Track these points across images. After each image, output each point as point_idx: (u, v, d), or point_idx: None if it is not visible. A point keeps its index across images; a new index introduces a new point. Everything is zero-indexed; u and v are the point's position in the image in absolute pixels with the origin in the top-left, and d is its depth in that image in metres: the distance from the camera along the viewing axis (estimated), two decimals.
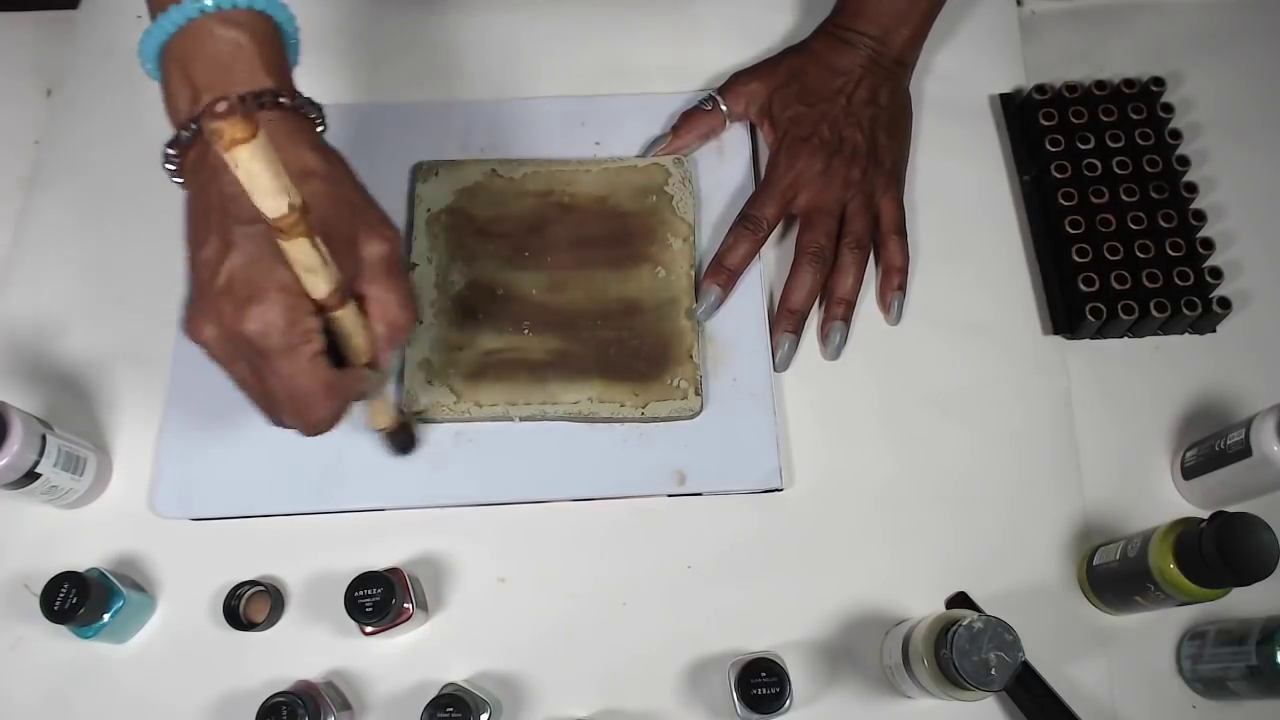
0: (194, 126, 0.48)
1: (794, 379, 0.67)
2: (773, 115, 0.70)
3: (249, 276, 0.45)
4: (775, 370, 0.66)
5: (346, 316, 0.48)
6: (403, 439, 0.62)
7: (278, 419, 0.50)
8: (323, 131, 0.52)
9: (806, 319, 0.67)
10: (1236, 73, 0.76)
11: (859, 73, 0.69)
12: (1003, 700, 0.59)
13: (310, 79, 0.75)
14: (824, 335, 0.67)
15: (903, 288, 0.68)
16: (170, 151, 0.50)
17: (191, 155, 0.49)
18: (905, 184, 0.71)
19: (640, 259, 0.68)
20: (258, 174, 0.39)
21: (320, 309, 0.46)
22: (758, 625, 0.61)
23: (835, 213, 0.68)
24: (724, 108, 0.71)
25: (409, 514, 0.63)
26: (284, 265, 0.44)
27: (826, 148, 0.68)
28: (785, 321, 0.66)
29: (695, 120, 0.71)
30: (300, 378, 0.47)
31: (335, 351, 0.50)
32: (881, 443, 0.65)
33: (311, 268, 0.44)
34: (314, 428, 0.49)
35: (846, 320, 0.67)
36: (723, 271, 0.66)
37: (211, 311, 0.46)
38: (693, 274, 0.68)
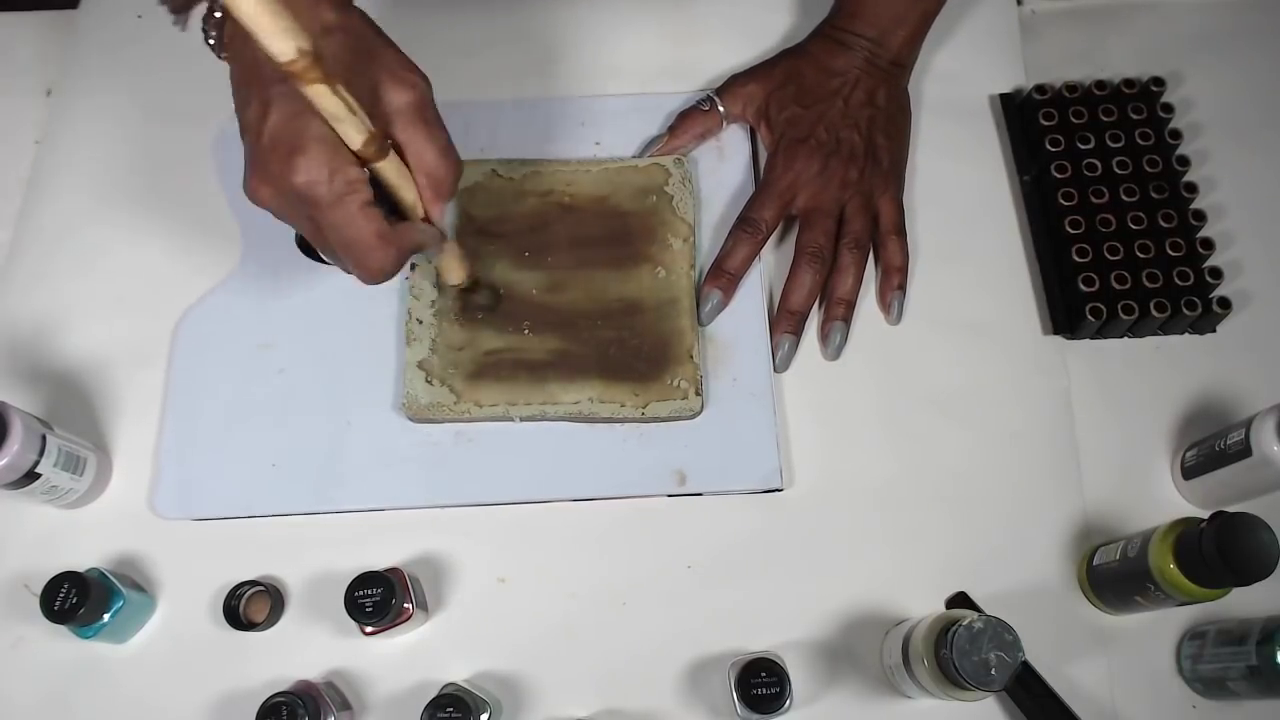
0: None
1: (794, 379, 0.67)
2: (770, 117, 0.70)
3: (288, 131, 0.46)
4: (775, 371, 0.66)
5: (389, 169, 0.49)
6: (480, 298, 0.63)
7: (345, 269, 0.51)
8: None
9: (806, 319, 0.67)
10: (1236, 73, 0.76)
11: (856, 74, 0.69)
12: (1003, 700, 0.59)
13: None
14: (824, 335, 0.67)
15: (902, 287, 0.68)
16: (207, 28, 0.51)
17: (228, 27, 0.50)
18: (904, 184, 0.71)
19: (640, 259, 0.68)
20: (257, 16, 0.40)
21: (361, 161, 0.48)
22: (758, 625, 0.61)
23: (834, 213, 0.68)
24: (721, 109, 0.71)
25: (409, 514, 0.63)
26: (318, 117, 0.45)
27: (824, 149, 0.68)
28: (785, 322, 0.66)
29: (692, 121, 0.71)
30: (351, 227, 0.48)
31: (392, 205, 0.51)
32: (881, 443, 0.65)
33: (339, 116, 0.45)
34: (373, 275, 0.51)
35: (846, 320, 0.67)
36: (723, 275, 0.67)
37: (262, 171, 0.48)
38: (693, 274, 0.68)
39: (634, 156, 0.72)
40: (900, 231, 0.69)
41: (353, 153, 0.47)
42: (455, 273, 0.61)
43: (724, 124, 0.72)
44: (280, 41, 0.41)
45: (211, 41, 0.51)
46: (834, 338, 0.67)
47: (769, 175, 0.68)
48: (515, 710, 0.60)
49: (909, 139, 0.71)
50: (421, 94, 0.50)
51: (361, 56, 0.49)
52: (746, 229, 0.67)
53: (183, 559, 0.63)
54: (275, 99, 0.47)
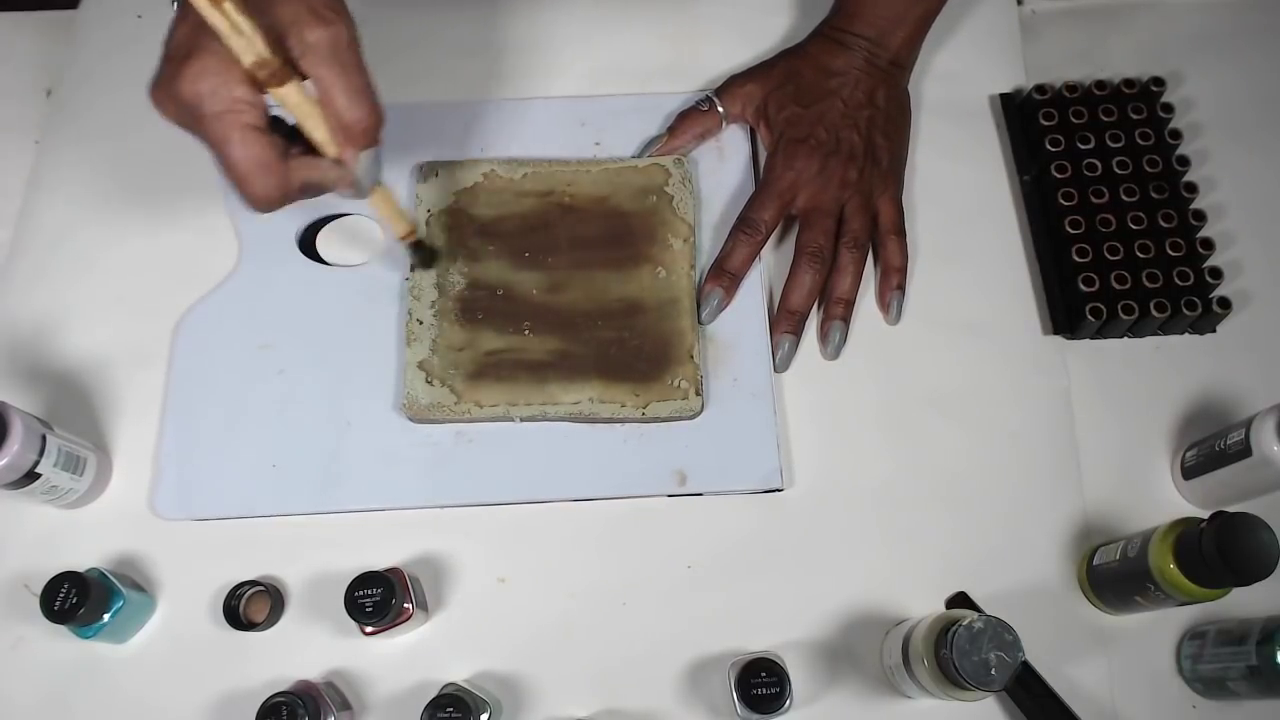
0: None
1: (795, 379, 0.67)
2: (769, 116, 0.70)
3: (186, 41, 0.47)
4: (775, 371, 0.66)
5: (290, 99, 0.49)
6: (423, 252, 0.64)
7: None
8: None
9: (806, 319, 0.67)
10: (1236, 73, 0.76)
11: (855, 74, 0.69)
12: (1003, 700, 0.59)
13: None
14: (823, 335, 0.67)
15: (901, 287, 0.68)
16: None
17: None
18: (904, 184, 0.71)
19: (640, 259, 0.68)
20: None
21: (254, 83, 0.47)
22: (758, 625, 0.61)
23: (833, 213, 0.68)
24: (720, 109, 0.71)
25: (409, 514, 0.63)
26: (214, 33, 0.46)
27: (823, 148, 0.68)
28: (785, 322, 0.66)
29: (691, 121, 0.71)
30: (229, 146, 0.48)
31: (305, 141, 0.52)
32: (881, 443, 0.65)
33: (224, 33, 0.46)
34: (252, 202, 0.50)
35: (846, 320, 0.67)
36: (724, 275, 0.67)
37: (159, 76, 0.49)
38: (693, 274, 0.68)
39: (633, 157, 0.71)
40: (899, 231, 0.69)
41: (245, 72, 0.47)
42: (396, 225, 0.61)
43: (723, 124, 0.72)
44: None
45: None
46: (833, 337, 0.67)
47: (768, 175, 0.68)
48: (515, 710, 0.60)
49: (908, 139, 0.71)
50: (338, 33, 0.49)
51: None
52: (746, 229, 0.67)
53: (183, 559, 0.63)
54: (190, 13, 0.47)
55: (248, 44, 0.46)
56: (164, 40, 0.50)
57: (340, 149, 0.51)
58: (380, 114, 0.51)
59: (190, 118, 0.48)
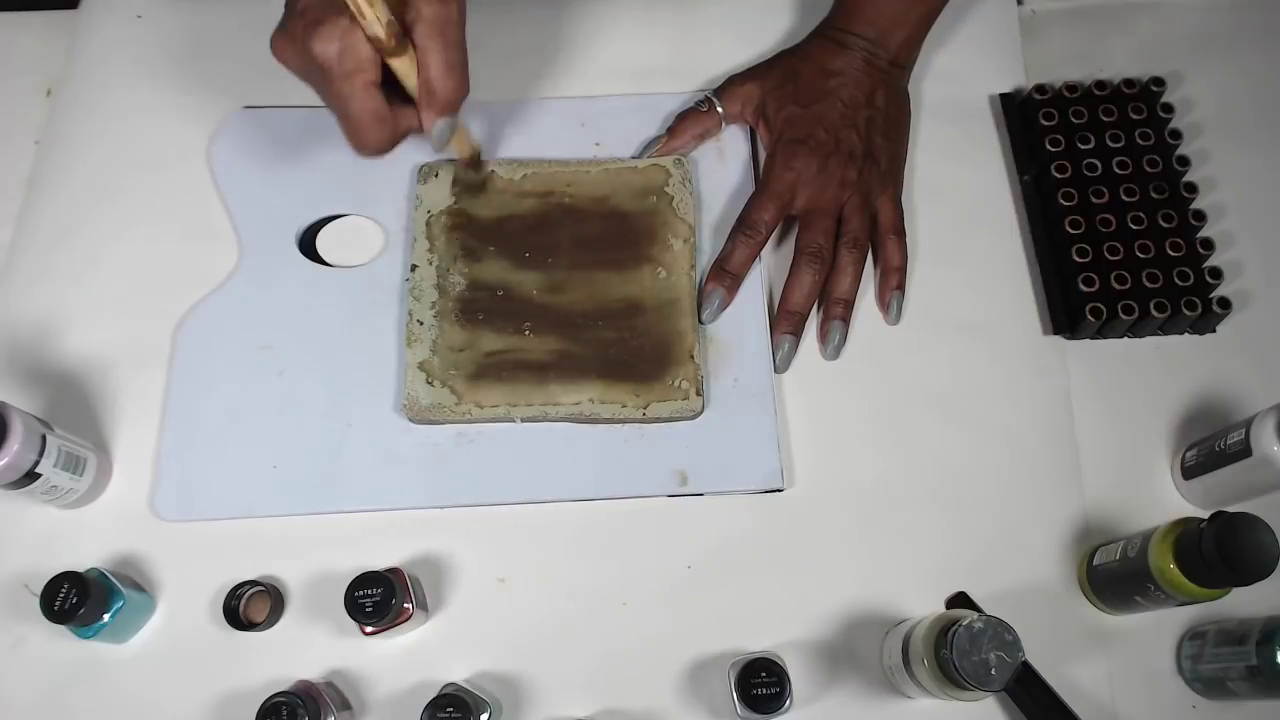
0: None
1: (795, 379, 0.67)
2: (768, 117, 0.70)
3: (319, 4, 0.53)
4: (776, 371, 0.66)
5: (401, 65, 0.55)
6: (473, 177, 0.68)
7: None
8: None
9: (806, 319, 0.67)
10: (1236, 73, 0.76)
11: (854, 74, 0.69)
12: (1003, 700, 0.59)
13: None
14: (823, 335, 0.67)
15: (901, 287, 0.68)
16: None
17: None
18: (904, 184, 0.71)
19: (641, 260, 0.68)
20: None
21: (377, 49, 0.53)
22: (758, 625, 0.61)
23: (833, 213, 0.68)
24: (720, 109, 0.71)
25: (409, 514, 0.63)
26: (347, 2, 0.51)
27: (822, 149, 0.68)
28: (785, 322, 0.66)
29: (691, 122, 0.71)
30: (352, 100, 0.54)
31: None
32: (882, 443, 0.65)
33: (368, 15, 0.51)
34: (364, 147, 0.56)
35: (845, 320, 0.67)
36: (725, 275, 0.67)
37: (290, 33, 0.54)
38: (694, 274, 0.68)
39: (633, 158, 0.71)
40: (899, 231, 0.69)
41: (369, 39, 0.53)
42: (462, 146, 0.66)
43: (723, 125, 0.72)
44: None
45: None
46: (833, 337, 0.67)
47: (768, 176, 0.68)
48: (515, 710, 0.60)
49: (908, 139, 0.71)
50: (448, 12, 0.54)
51: None
52: (746, 231, 0.67)
53: (183, 559, 0.63)
54: None
55: (379, 14, 0.52)
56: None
57: (421, 114, 0.57)
58: (464, 90, 0.57)
59: (318, 73, 0.53)
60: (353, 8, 0.51)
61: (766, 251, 0.69)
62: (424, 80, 0.55)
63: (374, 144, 0.56)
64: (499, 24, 0.77)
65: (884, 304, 0.68)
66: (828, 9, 0.72)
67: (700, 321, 0.66)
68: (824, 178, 0.67)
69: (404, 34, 0.53)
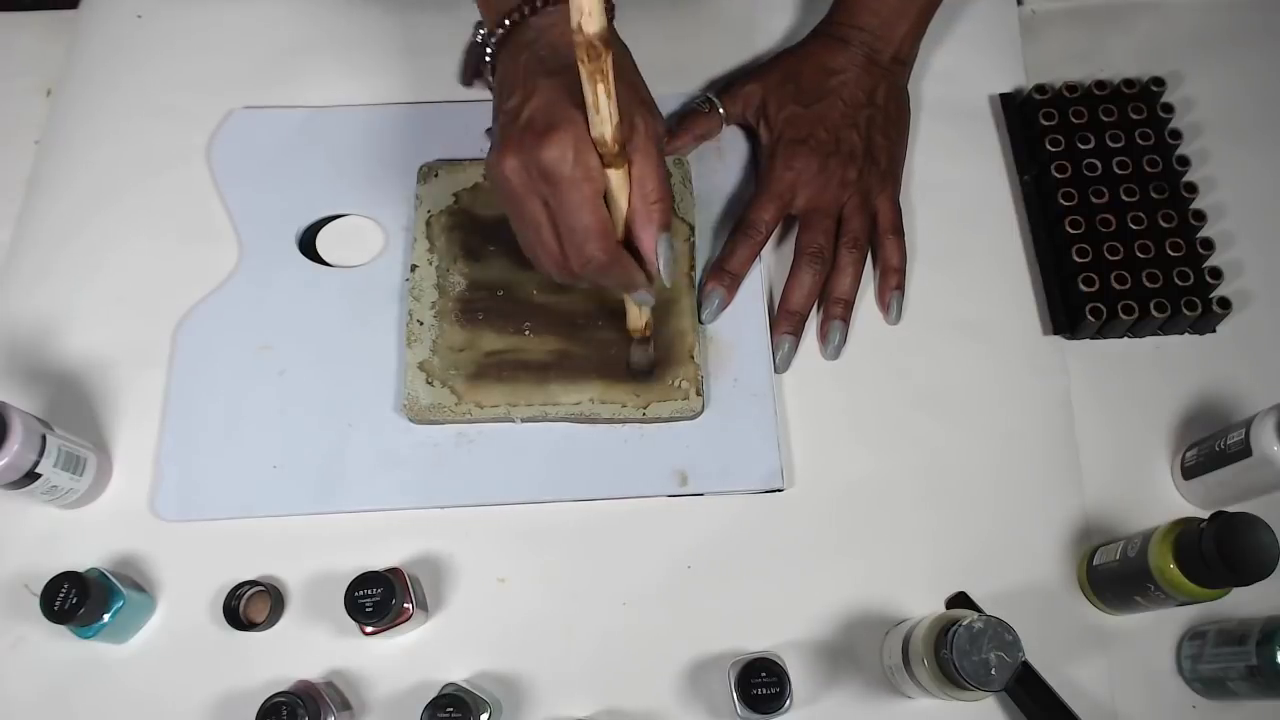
0: (514, 16, 0.55)
1: (795, 379, 0.67)
2: (769, 116, 0.70)
3: (547, 112, 0.51)
4: (776, 371, 0.66)
5: (616, 179, 0.52)
6: (644, 355, 0.64)
7: (558, 260, 0.54)
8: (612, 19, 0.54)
9: (806, 319, 0.67)
10: (1236, 73, 0.76)
11: (855, 72, 0.69)
12: (1003, 700, 0.59)
13: (314, 82, 0.76)
14: (823, 335, 0.67)
15: (900, 287, 0.68)
16: (484, 35, 0.57)
17: (503, 36, 0.56)
18: (903, 184, 0.71)
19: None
20: None
21: (600, 158, 0.51)
22: (758, 625, 0.61)
23: (833, 213, 0.68)
24: (720, 110, 0.71)
25: (409, 514, 0.63)
26: (578, 109, 0.49)
27: (823, 149, 0.68)
28: (784, 323, 0.67)
29: (692, 122, 0.71)
30: (582, 210, 0.51)
31: None
32: (882, 443, 0.65)
33: (597, 107, 0.48)
34: (583, 264, 0.53)
35: (845, 320, 0.67)
36: (725, 274, 0.67)
37: (513, 145, 0.51)
38: (693, 275, 0.68)
39: None
40: (898, 231, 0.69)
41: (594, 141, 0.50)
42: (636, 320, 0.61)
43: (724, 125, 0.72)
44: (598, 17, 0.44)
45: (489, 52, 0.57)
46: (833, 337, 0.67)
47: (768, 176, 0.68)
48: (515, 710, 0.60)
49: (907, 138, 0.71)
50: (659, 128, 0.53)
51: (625, 77, 0.53)
52: (746, 230, 0.67)
53: (183, 559, 0.63)
54: (541, 88, 0.51)
55: (610, 121, 0.49)
56: (505, 112, 0.53)
57: (640, 230, 0.53)
58: (670, 209, 0.54)
59: (544, 181, 0.51)
60: (590, 98, 0.47)
61: (766, 251, 0.69)
62: (643, 195, 0.52)
63: (595, 259, 0.52)
64: None
65: (884, 304, 0.68)
66: (826, 9, 0.72)
67: (700, 321, 0.66)
68: (824, 177, 0.67)
69: (622, 145, 0.51)
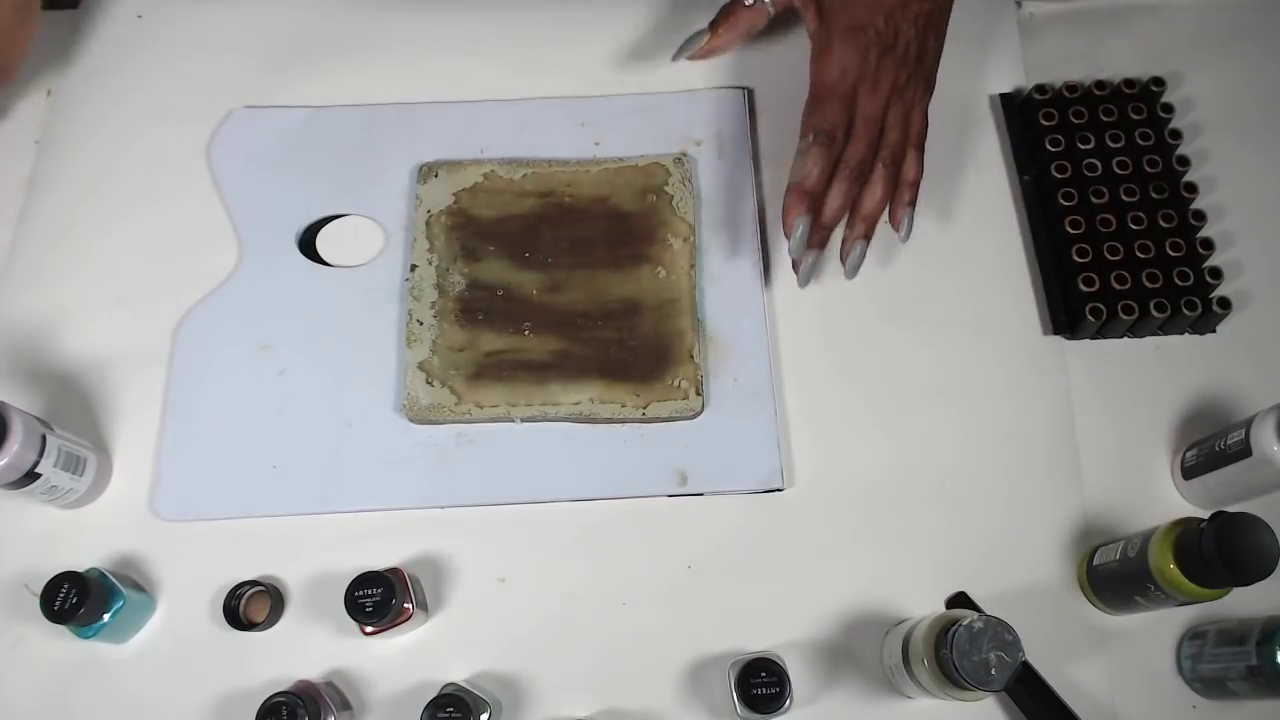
0: None
1: (794, 379, 0.67)
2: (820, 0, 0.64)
3: None
4: (792, 254, 0.62)
5: None
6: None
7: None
8: None
9: (832, 230, 0.63)
10: (1236, 73, 0.76)
11: None
12: (1003, 700, 0.59)
13: (313, 82, 0.76)
14: (845, 254, 0.64)
15: (914, 203, 0.65)
16: None
17: None
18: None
19: (641, 259, 0.68)
20: None
21: None
22: (758, 625, 0.61)
23: (880, 121, 0.63)
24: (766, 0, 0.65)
25: (409, 514, 0.63)
26: None
27: (881, 41, 0.62)
28: (799, 203, 0.61)
29: (736, 17, 0.65)
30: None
31: None
32: (881, 443, 0.65)
33: None
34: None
35: (868, 239, 0.64)
36: (806, 197, 0.61)
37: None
38: (693, 274, 0.68)
39: (672, 58, 0.68)
40: (921, 146, 0.65)
41: None
42: None
43: (770, 14, 0.66)
44: None
45: None
46: (856, 257, 0.63)
47: (824, 73, 0.62)
48: (515, 710, 0.60)
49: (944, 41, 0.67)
50: None
51: None
52: (821, 142, 0.61)
53: (183, 559, 0.63)
54: None
55: None
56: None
57: None
58: None
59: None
60: None
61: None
62: None
63: None
64: (500, 23, 0.77)
65: (896, 220, 0.65)
66: None
67: (791, 253, 0.62)
68: (877, 77, 0.62)
69: None
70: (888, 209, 0.65)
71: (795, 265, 0.64)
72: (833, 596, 0.62)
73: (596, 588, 0.62)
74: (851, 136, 0.63)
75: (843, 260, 0.64)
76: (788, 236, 0.62)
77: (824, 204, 0.62)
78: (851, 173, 0.62)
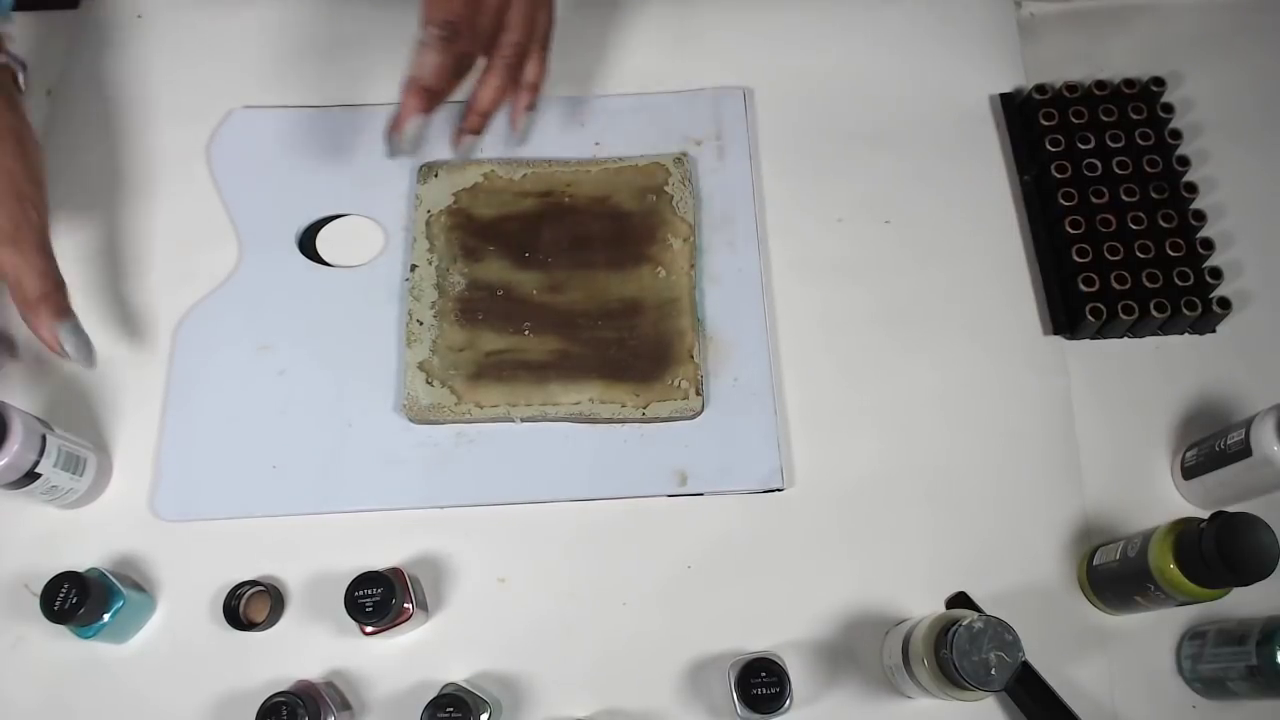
0: None
1: (794, 379, 0.67)
2: None
3: None
4: (397, 152, 0.62)
5: None
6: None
7: None
8: None
9: (440, 101, 0.62)
10: (1236, 73, 0.76)
11: None
12: (1003, 700, 0.59)
13: (314, 82, 0.76)
14: (453, 141, 0.65)
15: (533, 107, 0.64)
16: None
17: None
18: (901, 182, 0.70)
19: (640, 259, 0.68)
20: None
21: None
22: (758, 625, 0.61)
23: (496, 7, 0.60)
24: None
25: (409, 514, 0.63)
26: None
27: None
28: (417, 100, 0.60)
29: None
30: None
31: None
32: (881, 443, 0.65)
33: None
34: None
35: (477, 133, 0.64)
36: (424, 94, 0.60)
37: None
38: (693, 274, 0.68)
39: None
40: (546, 45, 0.63)
41: None
42: None
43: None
44: None
45: None
46: (464, 148, 0.64)
47: None
48: (515, 710, 0.60)
49: None
50: (35, 219, 0.57)
51: None
52: (445, 34, 0.59)
53: (183, 559, 0.63)
54: None
55: None
56: None
57: (33, 330, 0.57)
58: None
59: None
60: None
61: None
62: (21, 298, 0.57)
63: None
64: None
65: (516, 125, 0.65)
66: (829, 6, 0.72)
67: (389, 155, 0.62)
68: None
69: None
70: (509, 113, 0.65)
71: (391, 152, 0.62)
72: (832, 596, 0.62)
73: (596, 588, 0.62)
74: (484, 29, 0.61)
75: (453, 148, 0.65)
76: (397, 133, 0.61)
77: (422, 68, 0.60)
78: (441, 41, 0.60)
